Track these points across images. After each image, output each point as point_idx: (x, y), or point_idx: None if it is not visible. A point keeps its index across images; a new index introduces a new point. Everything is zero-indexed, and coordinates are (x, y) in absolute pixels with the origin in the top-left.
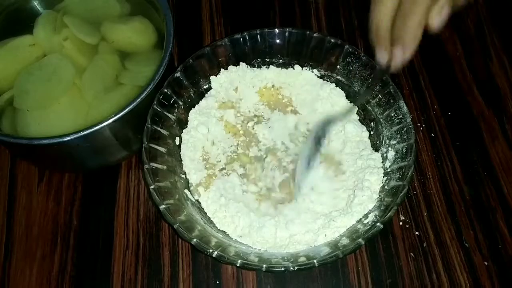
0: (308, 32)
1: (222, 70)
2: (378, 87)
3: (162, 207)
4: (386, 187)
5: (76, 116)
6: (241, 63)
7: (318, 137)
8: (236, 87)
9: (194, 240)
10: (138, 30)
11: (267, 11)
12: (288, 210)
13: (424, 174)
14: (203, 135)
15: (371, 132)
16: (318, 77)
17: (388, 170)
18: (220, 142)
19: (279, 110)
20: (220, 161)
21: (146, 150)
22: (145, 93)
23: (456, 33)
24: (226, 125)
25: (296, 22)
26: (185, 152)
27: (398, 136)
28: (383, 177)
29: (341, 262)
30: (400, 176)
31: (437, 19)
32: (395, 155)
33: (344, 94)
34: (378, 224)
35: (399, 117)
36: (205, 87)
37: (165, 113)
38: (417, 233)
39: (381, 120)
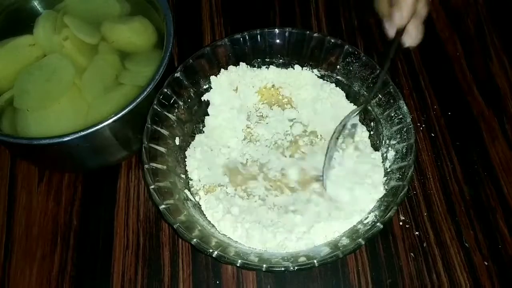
0: (308, 32)
1: (222, 70)
2: (380, 83)
3: (162, 207)
4: (386, 187)
5: (76, 116)
6: (241, 63)
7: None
8: (236, 87)
9: (194, 240)
10: (138, 30)
11: (267, 11)
12: (289, 213)
13: (424, 174)
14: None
15: (371, 132)
16: (318, 77)
17: (388, 170)
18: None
19: (279, 106)
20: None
21: (146, 150)
22: (145, 93)
23: (456, 33)
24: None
25: (296, 22)
26: (191, 153)
27: (398, 136)
28: (383, 177)
29: (341, 262)
30: (400, 176)
31: None
32: (395, 155)
33: (344, 94)
34: (378, 224)
35: (399, 117)
36: (205, 87)
37: (165, 113)
38: (417, 233)
39: (381, 120)
